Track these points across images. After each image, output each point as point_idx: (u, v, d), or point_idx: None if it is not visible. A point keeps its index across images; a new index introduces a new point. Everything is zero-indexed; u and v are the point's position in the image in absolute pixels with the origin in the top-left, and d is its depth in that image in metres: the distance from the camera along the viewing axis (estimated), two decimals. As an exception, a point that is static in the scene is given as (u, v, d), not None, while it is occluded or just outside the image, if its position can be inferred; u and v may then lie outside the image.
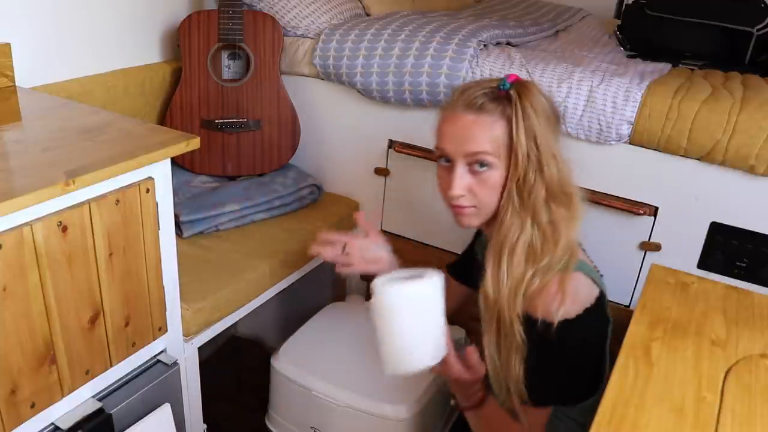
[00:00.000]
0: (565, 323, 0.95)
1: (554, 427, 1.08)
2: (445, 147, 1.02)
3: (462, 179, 1.01)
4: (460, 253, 1.61)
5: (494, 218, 1.04)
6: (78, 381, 0.98)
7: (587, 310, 0.97)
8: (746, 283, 1.27)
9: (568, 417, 1.07)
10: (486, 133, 0.98)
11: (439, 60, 1.42)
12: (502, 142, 0.98)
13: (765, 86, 1.35)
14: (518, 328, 0.99)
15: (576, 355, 0.99)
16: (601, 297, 1.01)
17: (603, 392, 0.78)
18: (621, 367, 0.82)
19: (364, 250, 1.23)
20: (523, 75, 1.37)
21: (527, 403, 1.01)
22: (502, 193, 1.00)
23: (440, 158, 1.05)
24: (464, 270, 1.36)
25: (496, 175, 0.99)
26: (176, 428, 1.14)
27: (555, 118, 1.02)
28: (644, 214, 1.32)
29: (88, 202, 0.92)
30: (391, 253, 1.26)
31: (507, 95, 0.98)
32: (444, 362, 1.01)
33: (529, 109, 0.96)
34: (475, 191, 1.01)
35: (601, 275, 1.06)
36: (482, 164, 0.99)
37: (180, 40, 1.56)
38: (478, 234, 1.30)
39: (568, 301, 0.95)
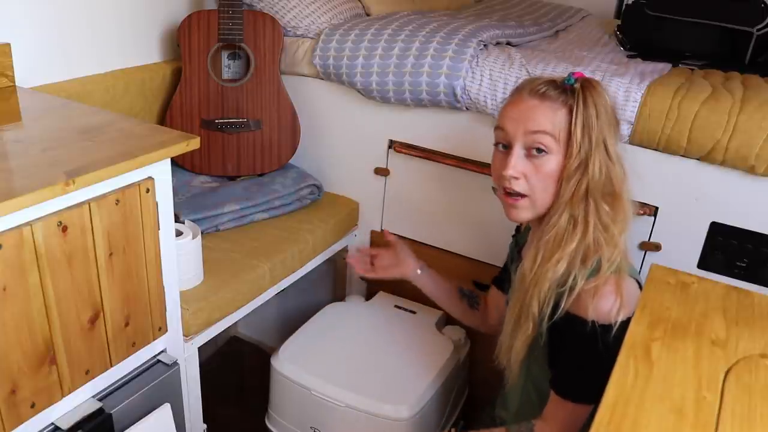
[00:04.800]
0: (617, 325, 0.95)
1: None
2: (505, 126, 1.03)
3: (518, 161, 1.01)
4: (460, 253, 1.62)
5: (544, 216, 1.04)
6: (78, 381, 0.98)
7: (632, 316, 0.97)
8: (746, 283, 1.27)
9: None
10: (548, 116, 0.99)
11: (439, 60, 1.42)
12: (563, 129, 0.99)
13: (765, 86, 1.34)
14: (534, 315, 1.01)
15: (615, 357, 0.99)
16: None
17: None
18: (621, 367, 0.82)
19: (384, 258, 1.41)
20: (522, 75, 1.37)
21: (566, 398, 1.02)
22: (555, 187, 1.01)
23: (497, 144, 1.06)
24: (505, 281, 1.36)
25: (552, 162, 1.00)
26: (176, 428, 1.14)
27: (615, 120, 1.04)
28: (644, 214, 1.32)
29: (88, 202, 0.92)
30: (408, 258, 1.40)
31: (572, 89, 1.00)
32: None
33: (590, 103, 0.98)
34: (530, 177, 1.01)
35: None
36: (540, 149, 1.00)
37: (180, 40, 1.56)
38: (516, 240, 1.30)
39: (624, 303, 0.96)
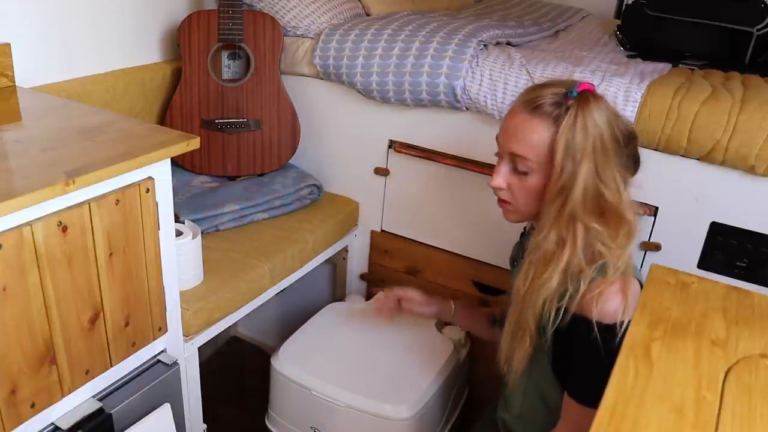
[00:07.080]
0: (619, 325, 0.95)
1: None
2: (499, 138, 1.05)
3: (502, 173, 1.04)
4: (460, 253, 1.62)
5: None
6: (78, 381, 0.98)
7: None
8: (746, 283, 1.27)
9: None
10: (533, 135, 0.98)
11: (439, 60, 1.42)
12: (547, 148, 0.97)
13: (765, 86, 1.34)
14: (530, 330, 1.01)
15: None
16: None
17: None
18: (621, 367, 0.82)
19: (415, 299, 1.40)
20: (522, 75, 1.37)
21: (581, 402, 1.01)
22: (538, 202, 1.02)
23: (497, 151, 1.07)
24: None
25: (533, 180, 1.01)
26: (176, 428, 1.14)
27: (613, 140, 0.96)
28: (644, 214, 1.32)
29: (88, 202, 0.92)
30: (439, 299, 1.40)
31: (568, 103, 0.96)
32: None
33: (578, 124, 0.93)
34: (514, 190, 1.03)
35: None
36: (522, 168, 1.01)
37: (180, 40, 1.56)
38: (521, 242, 1.30)
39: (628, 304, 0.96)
